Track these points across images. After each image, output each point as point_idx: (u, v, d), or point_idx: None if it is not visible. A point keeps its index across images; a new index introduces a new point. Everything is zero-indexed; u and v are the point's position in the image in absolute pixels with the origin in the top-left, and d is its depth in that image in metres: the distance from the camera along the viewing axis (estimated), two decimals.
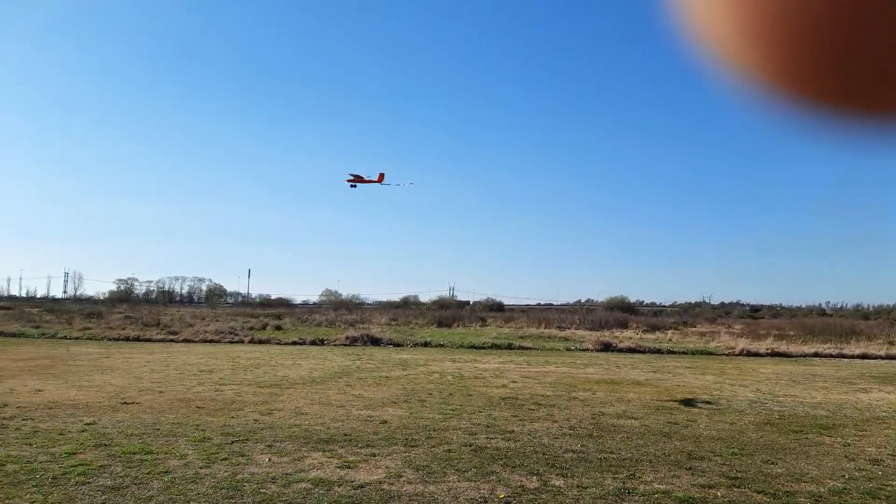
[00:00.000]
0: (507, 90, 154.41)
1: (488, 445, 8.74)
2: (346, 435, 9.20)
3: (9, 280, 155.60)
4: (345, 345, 27.37)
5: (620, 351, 26.57)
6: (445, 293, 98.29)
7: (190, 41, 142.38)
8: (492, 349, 26.23)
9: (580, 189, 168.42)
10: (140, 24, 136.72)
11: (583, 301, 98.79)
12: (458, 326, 41.08)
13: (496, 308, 71.64)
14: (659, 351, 26.77)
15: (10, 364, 17.21)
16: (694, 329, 41.80)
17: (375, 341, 28.17)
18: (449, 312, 50.74)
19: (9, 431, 8.91)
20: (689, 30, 0.47)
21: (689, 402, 13.09)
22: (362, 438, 9.01)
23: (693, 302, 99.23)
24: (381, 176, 51.46)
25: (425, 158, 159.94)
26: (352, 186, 51.49)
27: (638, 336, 33.84)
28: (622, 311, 54.30)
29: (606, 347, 26.96)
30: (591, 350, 26.52)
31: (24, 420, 9.72)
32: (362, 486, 6.78)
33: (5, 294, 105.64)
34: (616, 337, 31.62)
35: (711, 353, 26.51)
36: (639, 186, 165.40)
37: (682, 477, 7.47)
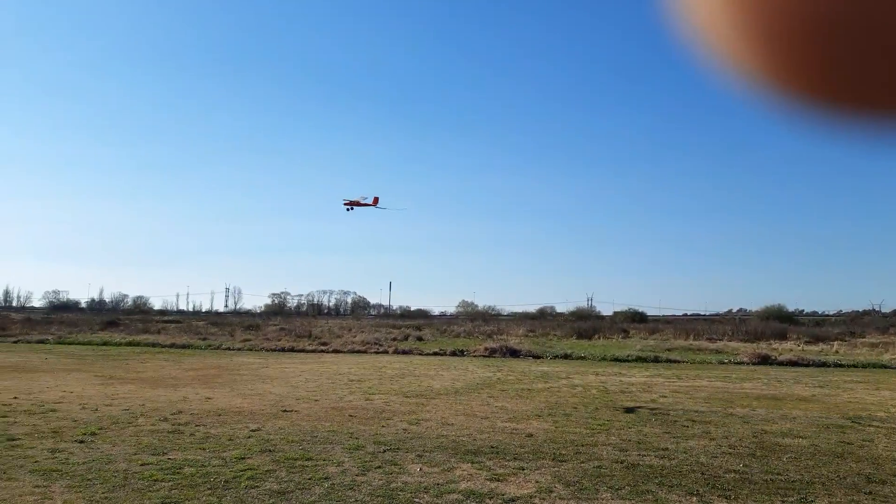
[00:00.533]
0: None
1: (641, 462, 8.40)
2: (492, 447, 9.20)
3: (177, 296, 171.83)
4: (484, 356, 27.53)
5: (780, 364, 24.72)
6: (582, 303, 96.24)
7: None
8: (637, 362, 25.32)
9: (724, 189, 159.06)
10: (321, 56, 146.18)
11: (734, 311, 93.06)
12: (599, 338, 40.06)
13: (638, 319, 69.13)
14: (824, 364, 24.63)
15: (183, 374, 18.88)
16: (863, 340, 37.98)
17: (514, 353, 28.09)
18: (588, 324, 49.58)
19: (184, 436, 9.73)
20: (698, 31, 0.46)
21: (861, 420, 11.89)
22: (509, 451, 8.97)
23: (861, 310, 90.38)
24: (376, 200, 56.89)
25: (567, 162, 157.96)
26: (348, 210, 57.15)
27: (799, 348, 31.32)
28: (780, 321, 50.43)
29: (764, 360, 25.17)
30: (747, 363, 24.88)
31: (196, 426, 10.59)
32: (513, 500, 6.74)
33: (174, 308, 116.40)
34: (774, 349, 29.47)
35: (886, 367, 24.00)
36: (793, 182, 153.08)
37: (861, 502, 6.78)
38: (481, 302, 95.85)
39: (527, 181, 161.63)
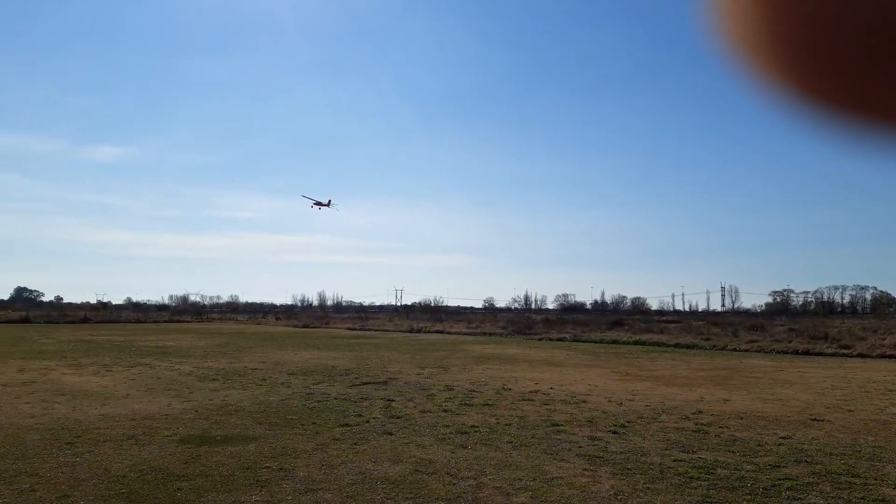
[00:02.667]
0: None
1: None
2: None
3: (672, 296, 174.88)
4: None
5: None
6: None
7: None
8: None
9: None
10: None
11: None
12: None
13: None
14: None
15: (693, 374, 18.99)
16: None
17: None
18: None
19: (709, 437, 9.68)
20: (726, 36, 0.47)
21: None
22: None
23: None
24: (329, 201, 70.08)
25: None
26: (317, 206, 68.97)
27: None
28: None
29: None
30: None
31: (720, 428, 10.43)
32: None
33: (671, 308, 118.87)
34: None
35: None
36: None
37: None
38: None
39: None
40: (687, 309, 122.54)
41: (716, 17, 0.47)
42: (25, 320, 59.23)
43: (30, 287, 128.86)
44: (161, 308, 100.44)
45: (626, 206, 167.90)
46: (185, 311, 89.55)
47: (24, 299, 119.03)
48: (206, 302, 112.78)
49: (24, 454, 8.17)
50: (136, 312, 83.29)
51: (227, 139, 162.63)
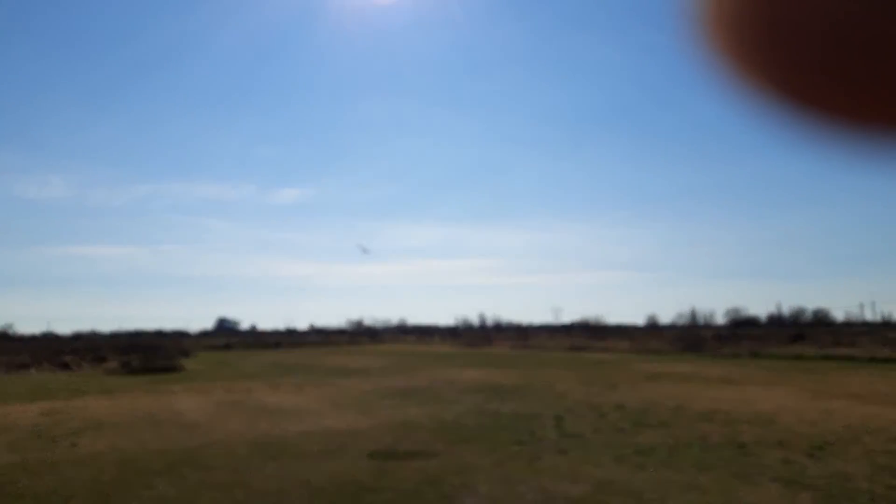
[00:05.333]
0: None
1: None
2: None
3: (861, 305, 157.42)
4: None
5: None
6: None
7: None
8: None
9: None
10: None
11: None
12: None
13: None
14: None
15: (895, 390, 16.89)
16: None
17: None
18: None
19: None
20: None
21: None
22: None
23: None
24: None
25: None
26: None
27: None
28: None
29: None
30: None
31: None
32: None
33: (860, 319, 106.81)
34: None
35: None
36: None
37: None
38: None
39: None
40: (879, 319, 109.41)
41: (701, 27, 0.45)
42: (227, 347, 65.41)
43: (229, 317, 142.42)
44: (340, 332, 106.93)
45: (796, 211, 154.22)
46: (360, 334, 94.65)
47: (224, 329, 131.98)
48: (379, 325, 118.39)
49: (236, 467, 8.95)
50: (319, 336, 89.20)
51: (394, 175, 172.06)
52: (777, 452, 9.22)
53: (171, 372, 29.05)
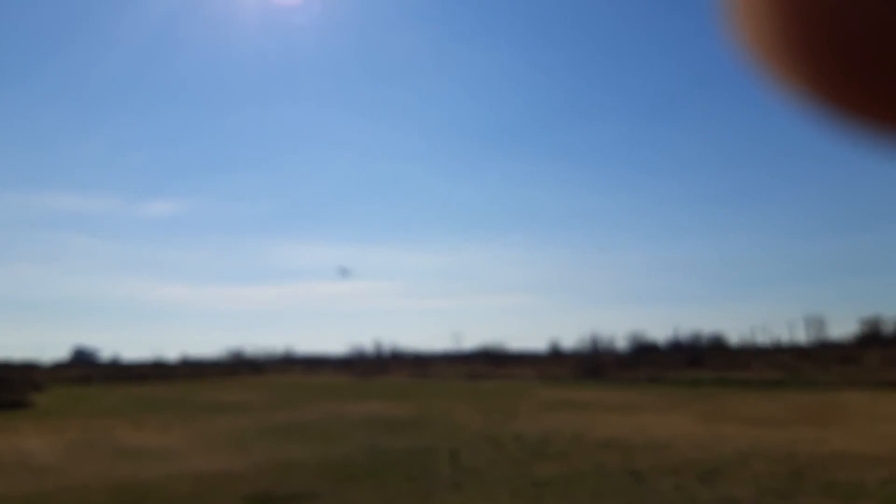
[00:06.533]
0: None
1: None
2: None
3: (752, 329, 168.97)
4: None
5: None
6: None
7: None
8: None
9: None
10: None
11: None
12: None
13: None
14: None
15: (783, 412, 18.27)
16: None
17: None
18: None
19: (806, 481, 9.27)
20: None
21: None
22: None
23: None
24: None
25: None
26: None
27: None
28: None
29: None
30: None
31: (817, 470, 9.98)
32: None
33: (752, 343, 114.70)
34: None
35: None
36: None
37: None
38: None
39: None
40: (769, 343, 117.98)
41: (735, 22, 0.48)
42: (85, 379, 61.42)
43: (87, 346, 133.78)
44: (216, 363, 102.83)
45: (693, 236, 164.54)
46: (240, 365, 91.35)
47: (82, 359, 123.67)
48: (261, 355, 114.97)
49: None
50: (192, 368, 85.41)
51: (283, 189, 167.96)
52: (670, 479, 9.73)
53: (18, 408, 26.95)
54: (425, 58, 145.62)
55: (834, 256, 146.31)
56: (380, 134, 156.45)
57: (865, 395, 22.48)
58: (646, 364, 48.04)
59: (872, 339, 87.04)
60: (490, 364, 63.99)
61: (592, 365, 48.11)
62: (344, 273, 73.19)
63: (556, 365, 53.76)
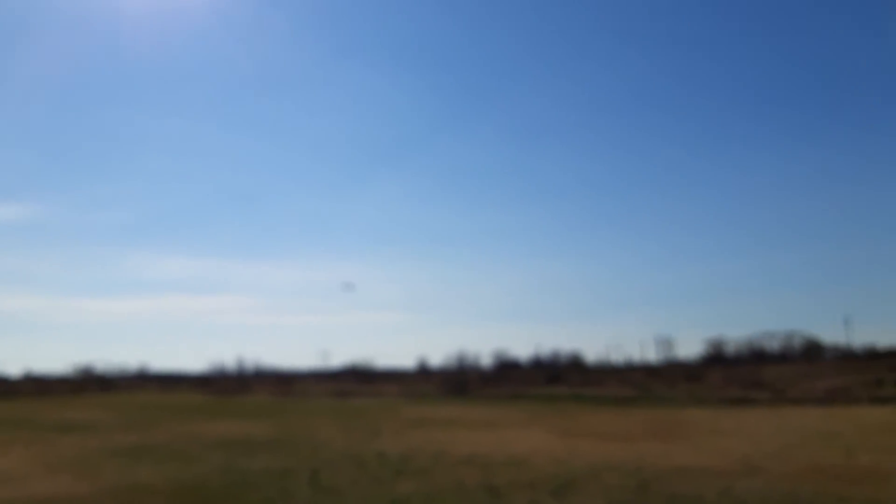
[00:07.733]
0: None
1: None
2: None
3: (607, 348, 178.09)
4: None
5: None
6: None
7: None
8: None
9: None
10: None
11: None
12: None
13: None
14: None
15: (633, 428, 19.33)
16: None
17: None
18: None
19: (650, 494, 9.81)
20: None
21: None
22: None
23: None
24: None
25: None
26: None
27: None
28: None
29: None
30: None
31: (661, 483, 10.60)
32: None
33: (607, 361, 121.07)
34: None
35: None
36: None
37: None
38: None
39: None
40: (622, 361, 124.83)
41: None
42: None
43: None
44: (63, 380, 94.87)
45: (556, 259, 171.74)
46: (89, 382, 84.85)
47: None
48: (113, 371, 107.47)
49: None
50: (36, 385, 78.37)
51: (142, 197, 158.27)
52: (526, 494, 10.01)
53: None
54: (309, 74, 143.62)
55: (682, 283, 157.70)
56: (253, 148, 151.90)
57: (708, 412, 24.24)
58: (509, 381, 49.39)
59: (716, 359, 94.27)
60: (358, 381, 63.34)
61: (458, 382, 48.83)
62: (349, 288, 70.22)
63: (423, 382, 54.09)
